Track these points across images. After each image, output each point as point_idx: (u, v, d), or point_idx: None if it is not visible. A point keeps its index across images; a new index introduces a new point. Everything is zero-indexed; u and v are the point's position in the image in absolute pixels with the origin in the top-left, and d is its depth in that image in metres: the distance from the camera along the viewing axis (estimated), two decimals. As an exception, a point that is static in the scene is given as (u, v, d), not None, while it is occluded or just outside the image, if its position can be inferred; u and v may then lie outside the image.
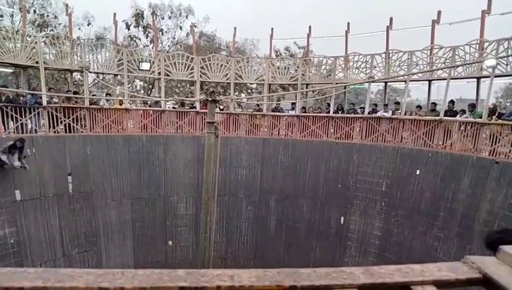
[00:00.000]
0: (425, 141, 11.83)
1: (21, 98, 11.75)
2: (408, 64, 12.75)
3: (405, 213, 11.62)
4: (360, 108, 14.46)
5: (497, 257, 0.81)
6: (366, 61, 13.70)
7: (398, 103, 13.77)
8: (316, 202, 13.51)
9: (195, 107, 14.62)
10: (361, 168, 12.82)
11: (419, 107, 13.65)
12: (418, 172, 11.46)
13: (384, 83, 15.07)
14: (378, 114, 13.24)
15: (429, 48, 12.76)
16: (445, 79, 12.08)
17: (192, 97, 18.98)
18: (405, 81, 13.92)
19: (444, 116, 11.64)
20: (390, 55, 13.37)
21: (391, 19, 14.57)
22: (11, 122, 11.10)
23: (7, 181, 10.30)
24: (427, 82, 13.53)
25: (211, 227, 9.34)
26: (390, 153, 12.33)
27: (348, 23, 15.71)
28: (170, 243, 13.48)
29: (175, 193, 13.59)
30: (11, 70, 17.79)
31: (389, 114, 13.09)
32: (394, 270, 0.77)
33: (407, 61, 12.81)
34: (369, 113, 13.44)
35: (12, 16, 23.50)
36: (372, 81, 13.82)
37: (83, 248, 11.81)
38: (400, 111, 12.95)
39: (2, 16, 22.81)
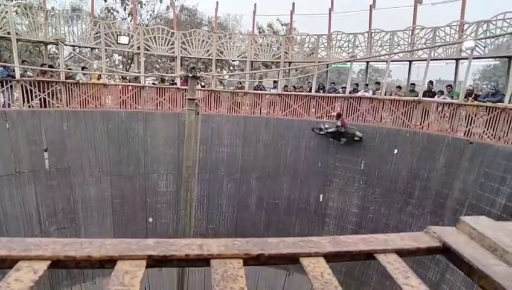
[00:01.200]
0: (403, 121, 12.06)
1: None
2: (390, 44, 12.83)
3: (382, 191, 11.95)
4: (342, 88, 14.54)
5: (457, 227, 0.85)
6: (348, 40, 13.69)
7: (378, 83, 13.90)
8: (296, 180, 13.70)
9: (175, 84, 14.37)
10: (340, 147, 12.99)
11: (399, 87, 13.83)
12: (395, 151, 11.73)
13: (366, 63, 15.13)
14: (359, 94, 13.36)
15: (411, 28, 12.82)
16: (426, 60, 12.24)
17: (172, 73, 18.62)
18: (386, 61, 14.01)
19: (423, 96, 11.86)
20: (373, 34, 13.39)
21: (374, -2, 14.52)
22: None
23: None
24: (408, 63, 13.66)
25: (191, 204, 9.37)
26: (370, 132, 12.53)
27: (332, 1, 15.56)
28: (151, 219, 13.48)
29: (155, 170, 13.50)
30: (-19, 41, 16.96)
31: (369, 94, 13.23)
32: (359, 239, 0.80)
33: (389, 41, 12.88)
34: (350, 92, 13.54)
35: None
36: (354, 60, 13.87)
37: (61, 224, 11.68)
38: (380, 91, 13.09)
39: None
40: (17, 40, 11.75)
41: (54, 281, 11.09)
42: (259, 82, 16.00)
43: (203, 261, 0.71)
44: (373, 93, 13.23)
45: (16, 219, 10.66)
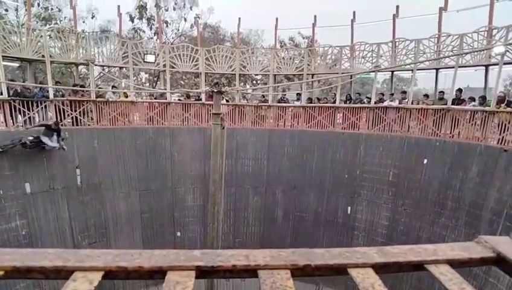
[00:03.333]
0: (432, 130, 11.74)
1: (28, 91, 11.82)
2: (415, 53, 12.61)
3: (412, 202, 11.60)
4: (367, 98, 14.37)
5: (511, 237, 0.81)
6: (372, 50, 13.58)
7: (404, 92, 13.65)
8: (323, 192, 13.52)
9: (200, 99, 14.62)
10: (367, 158, 12.79)
11: (426, 96, 13.52)
12: (425, 161, 11.41)
13: (390, 72, 14.93)
14: (385, 104, 13.14)
15: (436, 35, 12.60)
16: (453, 67, 11.93)
17: (197, 89, 19.00)
18: (412, 70, 13.77)
19: (452, 104, 11.53)
20: (397, 44, 13.23)
21: (397, 7, 14.37)
22: (19, 115, 11.20)
23: (17, 174, 10.44)
24: (434, 70, 13.36)
25: (218, 218, 9.41)
26: (397, 142, 12.27)
27: (354, 12, 15.53)
28: (178, 234, 13.61)
29: (182, 185, 13.68)
30: (18, 65, 17.91)
31: (395, 103, 12.99)
32: (407, 250, 0.78)
33: (413, 50, 12.67)
34: (375, 102, 13.35)
35: (16, 9, 23.55)
36: (379, 70, 13.71)
37: (93, 239, 11.97)
38: (406, 100, 12.84)
39: (6, 10, 22.89)
40: (51, 62, 12.33)
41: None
42: (283, 95, 16.04)
43: (250, 272, 0.71)
44: (399, 103, 12.99)
45: (50, 234, 11.01)
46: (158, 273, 0.69)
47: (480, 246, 0.79)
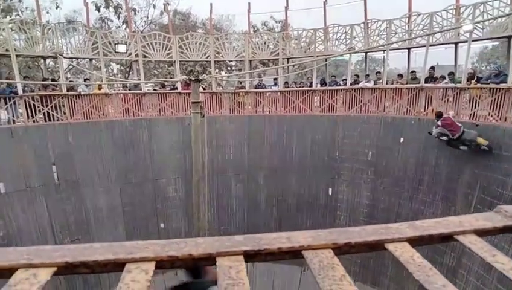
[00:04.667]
0: (407, 108, 12.07)
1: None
2: (387, 33, 12.82)
3: (391, 181, 11.96)
4: (342, 80, 14.55)
5: None
6: (345, 32, 13.69)
7: (379, 73, 13.91)
8: (304, 176, 13.72)
9: (176, 88, 14.39)
10: (346, 140, 13.03)
11: (400, 75, 13.83)
12: (401, 140, 11.74)
13: (364, 54, 15.14)
14: (360, 85, 13.36)
15: (407, 15, 12.81)
16: (424, 46, 12.22)
17: (171, 78, 18.65)
18: (384, 51, 14.01)
19: (425, 83, 11.86)
20: (369, 25, 13.38)
21: (369, -13, 14.48)
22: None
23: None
24: (407, 50, 13.64)
25: (203, 207, 9.41)
26: (374, 122, 12.55)
27: (326, -6, 15.54)
28: (162, 225, 13.52)
29: (163, 176, 13.54)
30: (-20, 60, 16.99)
31: (371, 84, 13.23)
32: (435, 223, 0.82)
33: (386, 30, 12.87)
34: (351, 84, 13.55)
35: (-27, 1, 22.20)
36: (353, 52, 13.87)
37: (75, 235, 11.73)
38: (381, 81, 13.10)
39: (-38, 3, 21.55)
40: (16, 56, 11.77)
41: None
42: (259, 80, 16.01)
43: (293, 253, 0.74)
44: (374, 84, 13.24)
45: (30, 233, 10.71)
46: (207, 260, 0.70)
47: (500, 216, 0.85)
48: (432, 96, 11.64)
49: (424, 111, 11.69)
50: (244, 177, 14.24)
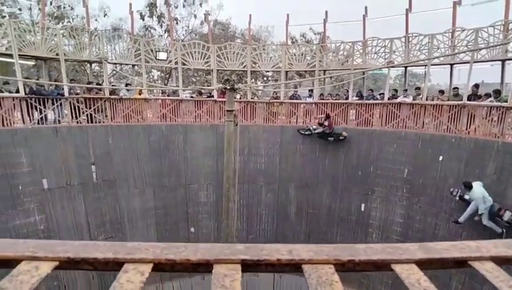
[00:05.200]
0: (448, 126, 11.57)
1: (44, 89, 12.00)
2: (429, 48, 12.41)
3: (428, 200, 11.45)
4: (380, 94, 14.22)
5: None
6: (385, 46, 13.42)
7: (419, 88, 13.48)
8: (336, 190, 13.46)
9: (212, 96, 14.67)
10: (381, 155, 12.67)
11: (441, 92, 13.29)
12: (440, 158, 11.25)
13: (404, 68, 14.74)
14: (399, 100, 12.99)
15: (451, 30, 12.37)
16: (468, 62, 11.70)
17: (208, 86, 19.05)
18: (426, 66, 13.57)
19: (467, 100, 11.33)
20: (410, 39, 13.04)
21: (410, 2, 14.17)
22: (36, 113, 11.40)
23: (35, 171, 10.66)
24: (449, 66, 13.15)
25: (232, 214, 9.46)
26: (412, 139, 12.13)
27: (366, 7, 15.37)
28: (192, 229, 13.72)
29: (195, 181, 13.78)
30: (33, 63, 18.18)
31: (409, 99, 12.83)
32: (449, 246, 0.77)
33: (427, 45, 12.47)
34: (389, 99, 13.21)
35: (30, 9, 23.89)
36: (392, 66, 13.54)
37: (109, 234, 12.16)
38: (421, 96, 12.68)
39: (20, 10, 23.25)
40: (65, 60, 12.50)
41: None
42: (294, 91, 15.98)
43: (293, 266, 0.72)
44: (413, 99, 12.83)
45: (68, 228, 11.23)
46: (204, 266, 0.70)
47: (523, 243, 0.78)
48: (474, 115, 11.09)
49: (466, 129, 11.14)
50: (274, 187, 14.19)
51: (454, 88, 12.57)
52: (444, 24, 13.15)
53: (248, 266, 0.71)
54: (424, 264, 0.73)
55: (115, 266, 0.68)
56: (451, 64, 12.99)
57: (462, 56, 12.25)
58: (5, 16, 20.28)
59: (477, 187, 9.00)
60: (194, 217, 13.82)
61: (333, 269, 0.70)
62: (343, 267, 0.72)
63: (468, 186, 9.12)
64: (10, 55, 11.21)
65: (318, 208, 13.75)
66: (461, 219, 9.50)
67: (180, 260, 0.69)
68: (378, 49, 13.64)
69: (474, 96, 11.52)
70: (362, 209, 12.95)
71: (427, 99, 12.59)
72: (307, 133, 13.69)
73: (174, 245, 0.73)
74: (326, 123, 13.08)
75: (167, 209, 13.34)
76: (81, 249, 0.69)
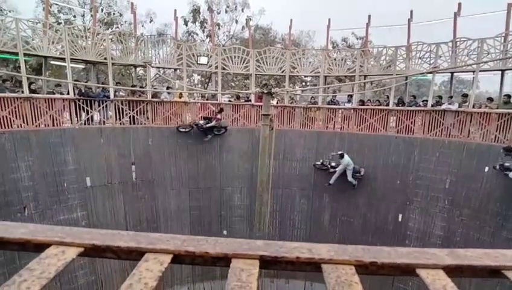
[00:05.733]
0: (496, 135, 10.92)
1: (91, 91, 12.65)
2: (478, 53, 11.81)
3: (471, 213, 10.85)
4: (423, 101, 13.68)
5: None
6: (430, 50, 12.92)
7: (465, 95, 12.87)
8: (373, 198, 13.08)
9: (250, 100, 14.79)
10: (422, 164, 12.18)
11: (490, 99, 12.58)
12: (486, 169, 10.63)
13: (450, 74, 14.10)
14: (443, 107, 12.44)
15: (503, 34, 11.70)
16: (522, 68, 11.02)
17: (246, 90, 19.23)
18: (474, 71, 12.90)
19: (519, 108, 10.65)
20: (458, 43, 12.46)
21: (459, 5, 13.55)
22: (83, 114, 12.03)
23: (79, 169, 11.23)
24: (500, 72, 12.42)
25: (264, 218, 9.46)
26: (456, 148, 11.56)
27: (411, 11, 14.88)
28: (225, 232, 13.85)
29: (230, 184, 13.92)
30: (83, 66, 19.25)
31: (455, 107, 12.25)
32: (482, 254, 0.73)
33: (476, 50, 11.87)
34: (432, 105, 12.69)
35: (83, 15, 25.36)
36: (437, 71, 13.02)
37: (145, 232, 12.51)
38: (467, 104, 12.07)
39: (74, 17, 24.73)
40: (112, 64, 13.12)
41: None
42: (333, 96, 15.76)
43: (313, 265, 0.71)
44: (459, 106, 12.23)
45: (107, 225, 11.69)
46: (222, 260, 0.70)
47: None
48: (527, 124, 10.39)
49: (517, 139, 10.46)
50: (309, 193, 14.02)
51: (505, 95, 11.85)
52: (496, 28, 12.42)
53: (266, 263, 0.70)
54: (452, 271, 0.69)
55: (137, 255, 0.70)
56: (503, 71, 12.26)
57: (514, 62, 11.55)
58: (61, 23, 21.65)
59: (346, 157, 12.68)
60: (227, 220, 13.96)
61: (354, 270, 0.68)
62: (366, 270, 0.70)
63: (341, 156, 12.65)
64: (63, 59, 11.94)
65: (353, 216, 13.42)
66: (332, 181, 13.00)
67: (199, 253, 0.69)
68: (423, 54, 13.16)
69: (526, 104, 10.81)
70: (399, 219, 12.49)
71: (474, 107, 11.98)
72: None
73: (195, 238, 0.74)
74: (219, 116, 13.25)
75: (201, 211, 13.57)
76: (106, 237, 0.71)
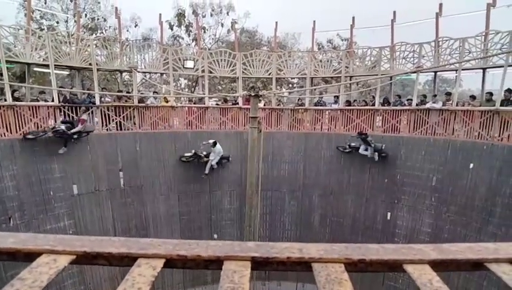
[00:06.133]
0: (479, 132, 11.16)
1: (76, 97, 12.47)
2: (460, 52, 12.05)
3: (457, 209, 11.05)
4: (408, 100, 13.90)
5: None
6: (413, 50, 13.15)
7: (449, 94, 13.10)
8: (361, 198, 13.21)
9: (237, 103, 14.80)
10: (408, 162, 12.36)
11: (472, 97, 12.86)
12: (471, 166, 10.85)
13: (433, 73, 14.36)
14: (427, 106, 12.66)
15: (483, 33, 11.97)
16: (502, 66, 11.28)
17: (234, 93, 19.24)
18: (456, 70, 13.17)
19: (501, 106, 10.90)
20: (440, 43, 12.71)
21: (441, 5, 13.83)
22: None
23: (66, 177, 11.05)
24: (481, 70, 12.70)
25: (255, 221, 9.46)
26: (441, 146, 11.77)
27: (394, 12, 15.11)
28: (215, 236, 13.79)
29: (219, 188, 13.88)
30: (67, 73, 19.00)
31: (438, 105, 12.47)
32: (465, 248, 0.75)
33: (458, 49, 12.12)
34: (417, 104, 12.90)
35: (66, 21, 25.00)
36: (420, 71, 13.23)
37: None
38: (451, 102, 12.31)
39: (58, 22, 24.37)
40: (97, 69, 12.98)
41: None
42: (320, 98, 15.88)
43: (304, 264, 0.72)
44: (443, 105, 12.46)
45: (95, 233, 11.51)
46: (214, 263, 0.71)
47: (545, 246, 0.75)
48: (508, 121, 10.64)
49: (499, 136, 10.71)
50: (298, 194, 14.08)
51: (487, 93, 12.12)
52: (477, 28, 12.70)
53: (258, 264, 0.72)
54: (438, 266, 0.71)
55: (129, 261, 0.71)
56: (484, 69, 12.53)
57: (495, 60, 11.82)
58: (43, 29, 21.31)
59: (218, 145, 12.86)
60: (217, 224, 13.90)
61: (343, 267, 0.70)
62: (355, 267, 0.72)
63: (214, 144, 12.77)
64: (47, 66, 11.76)
65: (342, 216, 13.53)
66: (206, 171, 13.12)
67: (191, 256, 0.70)
68: (407, 54, 13.39)
69: (507, 101, 11.07)
70: (388, 217, 12.64)
71: (457, 105, 12.22)
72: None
73: (186, 242, 0.75)
74: (84, 117, 11.39)
75: (191, 215, 13.49)
76: (97, 244, 0.71)
